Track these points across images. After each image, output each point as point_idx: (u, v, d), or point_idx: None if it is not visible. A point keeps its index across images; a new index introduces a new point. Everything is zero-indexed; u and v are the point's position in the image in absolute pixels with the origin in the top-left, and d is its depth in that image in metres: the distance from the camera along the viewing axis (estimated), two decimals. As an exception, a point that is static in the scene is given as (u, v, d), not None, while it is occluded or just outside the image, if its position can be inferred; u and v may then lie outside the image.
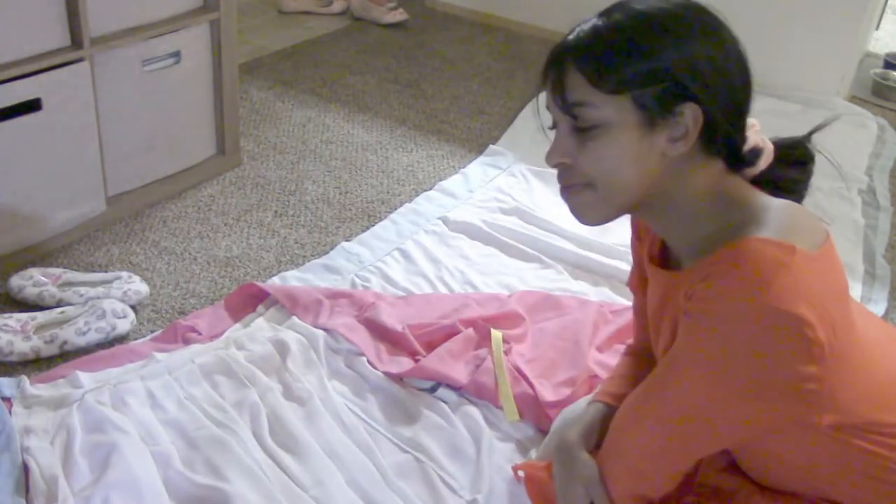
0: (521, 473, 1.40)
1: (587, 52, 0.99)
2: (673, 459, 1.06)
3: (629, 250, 2.04)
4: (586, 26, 1.01)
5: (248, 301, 1.82)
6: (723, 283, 0.95)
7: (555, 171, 1.09)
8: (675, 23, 0.98)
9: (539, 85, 1.07)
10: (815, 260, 0.94)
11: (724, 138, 1.02)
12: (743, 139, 1.05)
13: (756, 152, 1.09)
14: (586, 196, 1.05)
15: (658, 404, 1.04)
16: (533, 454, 1.48)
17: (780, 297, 0.90)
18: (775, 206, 1.01)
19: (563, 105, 1.01)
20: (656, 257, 1.20)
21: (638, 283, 1.33)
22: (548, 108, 1.06)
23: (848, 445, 1.02)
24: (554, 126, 1.07)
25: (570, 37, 1.02)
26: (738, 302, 0.93)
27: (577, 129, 1.01)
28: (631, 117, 0.98)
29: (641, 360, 1.35)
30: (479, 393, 1.60)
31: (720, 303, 0.94)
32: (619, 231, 2.20)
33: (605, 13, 1.01)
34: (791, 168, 1.14)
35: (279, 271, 1.96)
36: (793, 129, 3.13)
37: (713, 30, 1.01)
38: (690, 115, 0.98)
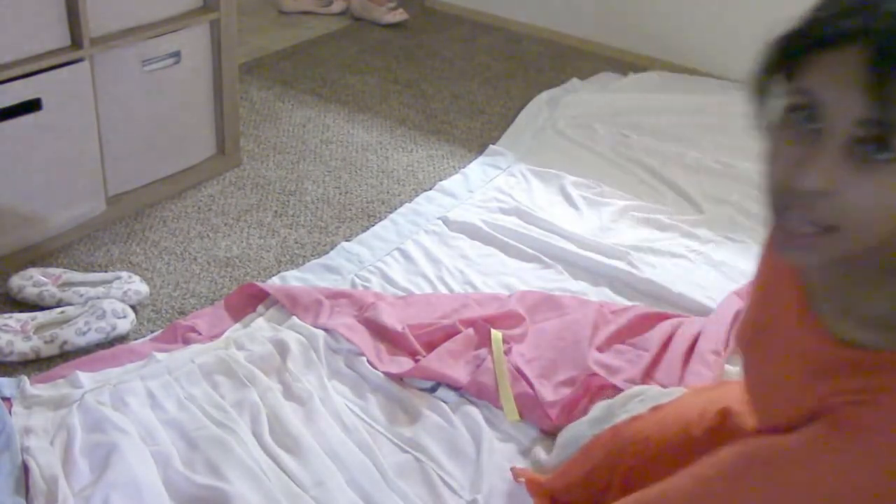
0: (521, 480, 1.40)
1: None
2: None
3: (629, 250, 2.07)
4: None
5: (248, 301, 1.82)
6: None
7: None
8: None
9: (774, 62, 0.77)
10: None
11: None
12: None
13: None
14: (824, 241, 0.76)
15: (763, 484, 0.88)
16: (542, 454, 1.47)
17: None
18: None
19: (880, 117, 0.69)
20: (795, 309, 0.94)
21: (752, 334, 1.04)
22: (802, 97, 0.74)
23: None
24: (805, 126, 0.74)
25: (887, 20, 0.69)
26: None
27: (859, 150, 0.72)
28: None
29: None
30: (479, 393, 1.60)
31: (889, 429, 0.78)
32: (620, 231, 2.21)
33: None
34: None
35: (279, 271, 1.96)
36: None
37: None
38: None
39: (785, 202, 0.76)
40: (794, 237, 0.77)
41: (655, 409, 1.34)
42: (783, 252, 0.80)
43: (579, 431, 1.44)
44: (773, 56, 0.77)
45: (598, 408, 1.48)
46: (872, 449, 0.78)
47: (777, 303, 0.95)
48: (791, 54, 0.75)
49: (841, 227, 0.75)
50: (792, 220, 0.76)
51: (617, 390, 1.56)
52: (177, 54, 2.07)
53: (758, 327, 1.00)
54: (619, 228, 2.22)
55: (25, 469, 1.36)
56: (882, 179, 0.72)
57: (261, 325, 1.76)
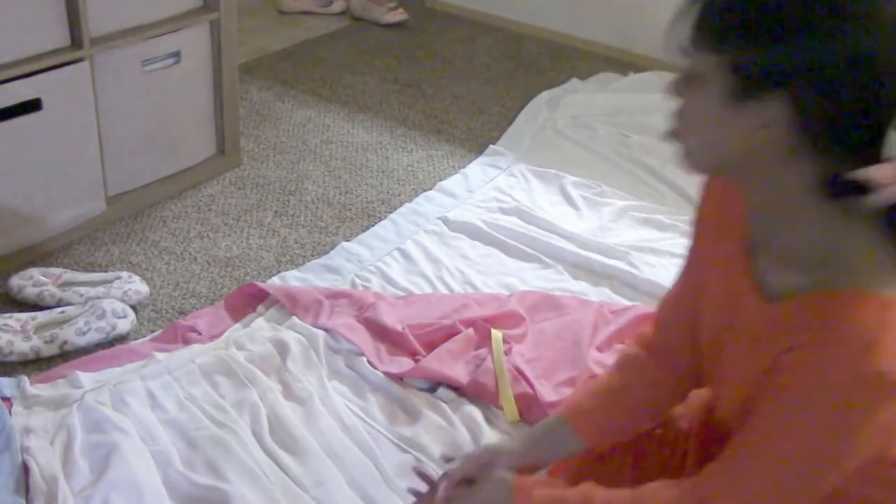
0: None
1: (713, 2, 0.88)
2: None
3: (629, 250, 2.07)
4: None
5: (248, 301, 1.82)
6: (824, 352, 0.87)
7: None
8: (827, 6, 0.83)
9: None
10: None
11: (828, 151, 0.88)
12: (863, 160, 0.88)
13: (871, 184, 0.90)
14: (681, 144, 0.96)
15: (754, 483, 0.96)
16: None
17: (889, 360, 0.84)
18: (876, 244, 0.91)
19: (680, 46, 0.91)
20: (741, 265, 1.04)
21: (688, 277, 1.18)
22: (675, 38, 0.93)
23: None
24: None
25: None
26: (844, 370, 0.86)
27: (683, 73, 0.92)
28: (719, 81, 0.88)
29: (631, 372, 1.25)
30: (479, 393, 1.60)
31: (823, 375, 0.88)
32: (620, 231, 2.21)
33: None
34: None
35: (279, 271, 1.96)
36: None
37: (866, 13, 0.83)
38: (776, 106, 0.86)
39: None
40: (672, 134, 0.96)
41: None
42: (678, 163, 0.98)
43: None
44: None
45: None
46: (810, 390, 0.89)
47: (726, 282, 1.06)
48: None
49: (682, 132, 0.95)
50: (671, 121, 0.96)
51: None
52: (177, 54, 2.07)
53: (709, 320, 1.10)
54: (618, 228, 2.22)
55: (25, 469, 1.36)
56: (690, 95, 0.92)
57: (261, 325, 1.76)
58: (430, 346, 1.69)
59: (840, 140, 0.87)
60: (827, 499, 0.97)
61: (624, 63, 3.27)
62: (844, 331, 0.86)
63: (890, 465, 0.96)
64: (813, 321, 0.89)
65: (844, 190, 0.90)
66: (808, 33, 0.83)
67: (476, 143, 2.62)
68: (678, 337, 1.20)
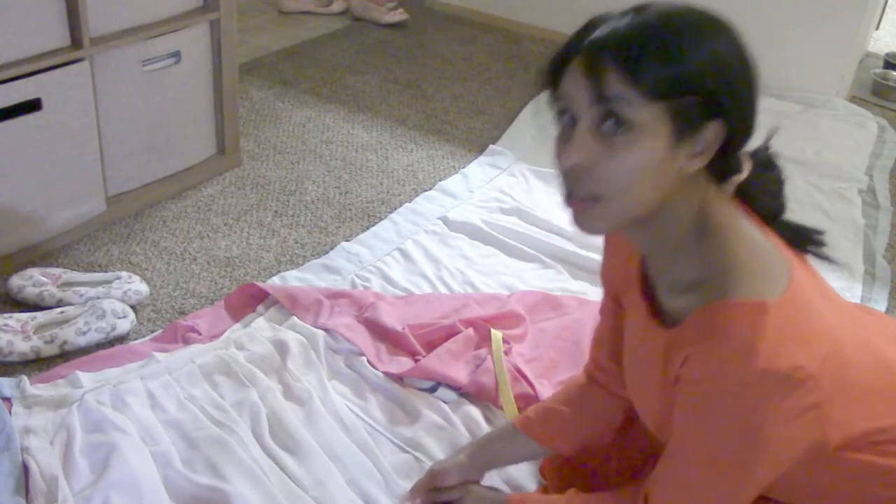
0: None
1: (628, 50, 0.89)
2: None
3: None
4: (620, 24, 0.91)
5: (248, 301, 1.82)
6: (710, 361, 0.94)
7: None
8: (711, 31, 0.93)
9: (546, 81, 0.97)
10: (785, 305, 0.93)
11: (734, 157, 0.98)
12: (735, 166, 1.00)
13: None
14: (597, 208, 0.95)
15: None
16: None
17: (768, 358, 0.90)
18: (746, 248, 0.98)
19: (600, 96, 0.90)
20: (637, 290, 1.13)
21: (612, 308, 1.25)
22: (561, 102, 0.95)
23: (851, 464, 1.01)
24: (568, 124, 0.95)
25: (601, 32, 0.91)
26: (731, 375, 0.92)
27: (604, 130, 0.91)
28: (663, 127, 0.90)
29: (586, 392, 1.34)
30: (479, 393, 1.60)
31: (713, 382, 0.94)
32: (619, 231, 2.21)
33: (637, 11, 0.92)
34: (762, 179, 1.07)
35: (279, 271, 1.96)
36: (793, 129, 3.12)
37: (738, 39, 0.94)
38: (713, 132, 0.92)
39: (565, 184, 0.97)
40: (575, 208, 0.97)
41: None
42: (576, 224, 0.98)
43: None
44: (545, 76, 0.99)
45: None
46: (711, 394, 0.94)
47: (635, 324, 1.14)
48: (552, 71, 0.97)
49: (604, 194, 0.93)
50: (570, 196, 0.96)
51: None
52: (177, 54, 2.07)
53: (628, 348, 1.18)
54: (619, 228, 2.21)
55: (25, 469, 1.36)
56: (623, 149, 0.91)
57: (261, 325, 1.76)
58: (430, 346, 1.69)
59: (746, 141, 0.98)
60: (776, 488, 1.03)
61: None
62: (724, 338, 0.92)
63: (831, 452, 1.00)
64: (699, 333, 0.95)
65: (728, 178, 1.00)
66: (726, 49, 0.93)
67: (476, 143, 2.63)
68: (609, 366, 1.29)
